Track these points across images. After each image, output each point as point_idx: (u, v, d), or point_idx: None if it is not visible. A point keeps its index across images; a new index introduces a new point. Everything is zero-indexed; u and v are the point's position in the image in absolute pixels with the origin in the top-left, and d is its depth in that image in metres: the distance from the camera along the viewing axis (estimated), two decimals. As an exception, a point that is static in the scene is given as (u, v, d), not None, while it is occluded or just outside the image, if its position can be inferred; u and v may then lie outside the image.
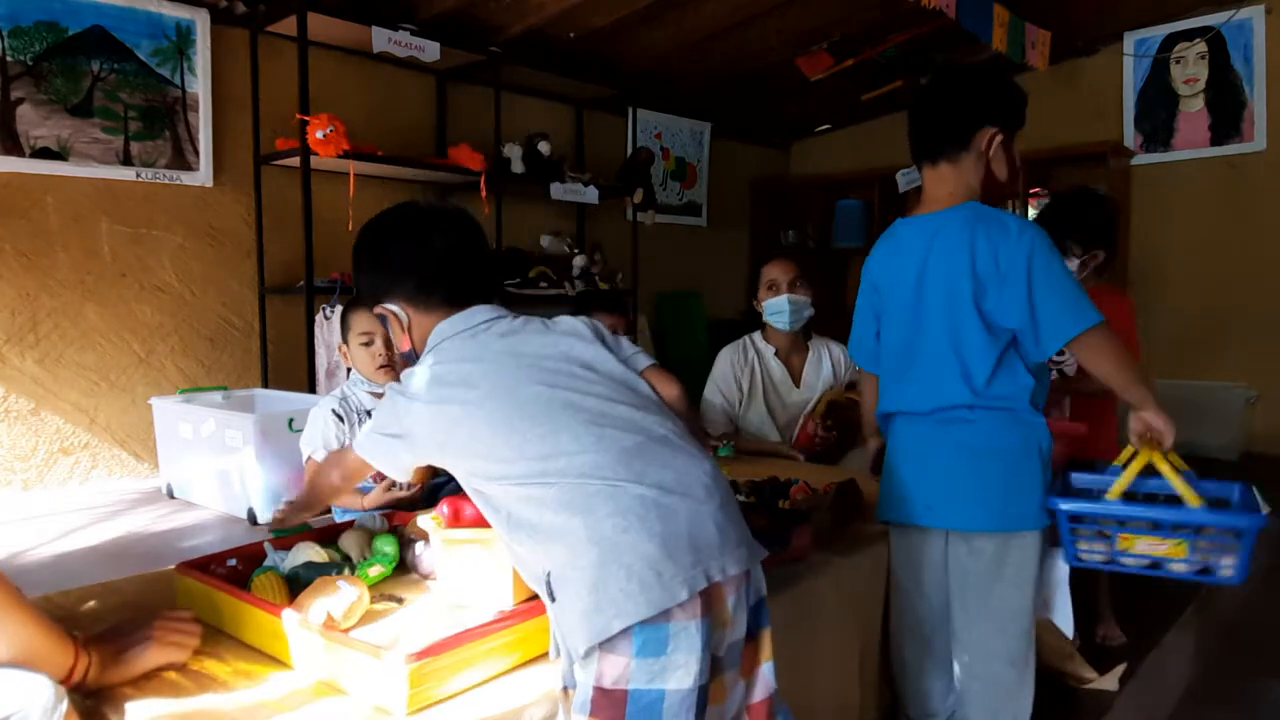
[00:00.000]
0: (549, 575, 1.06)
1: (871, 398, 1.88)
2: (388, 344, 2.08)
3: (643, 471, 1.09)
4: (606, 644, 0.99)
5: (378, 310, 1.36)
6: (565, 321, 1.33)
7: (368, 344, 2.11)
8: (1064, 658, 1.98)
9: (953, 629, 1.71)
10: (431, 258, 1.33)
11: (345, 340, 2.18)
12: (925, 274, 1.66)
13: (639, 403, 1.20)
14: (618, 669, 0.98)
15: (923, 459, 1.69)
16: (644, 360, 1.33)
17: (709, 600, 1.02)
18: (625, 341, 1.36)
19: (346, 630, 1.22)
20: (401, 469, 1.28)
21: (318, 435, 2.09)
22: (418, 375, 1.26)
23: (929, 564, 1.72)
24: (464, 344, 1.27)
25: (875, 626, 1.79)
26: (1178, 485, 1.55)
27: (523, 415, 1.15)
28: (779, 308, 2.79)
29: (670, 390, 1.31)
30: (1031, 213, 4.76)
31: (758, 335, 2.97)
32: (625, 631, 0.98)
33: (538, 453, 1.12)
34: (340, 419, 2.11)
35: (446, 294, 1.32)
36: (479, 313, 1.31)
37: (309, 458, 2.09)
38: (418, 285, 1.33)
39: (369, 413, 2.13)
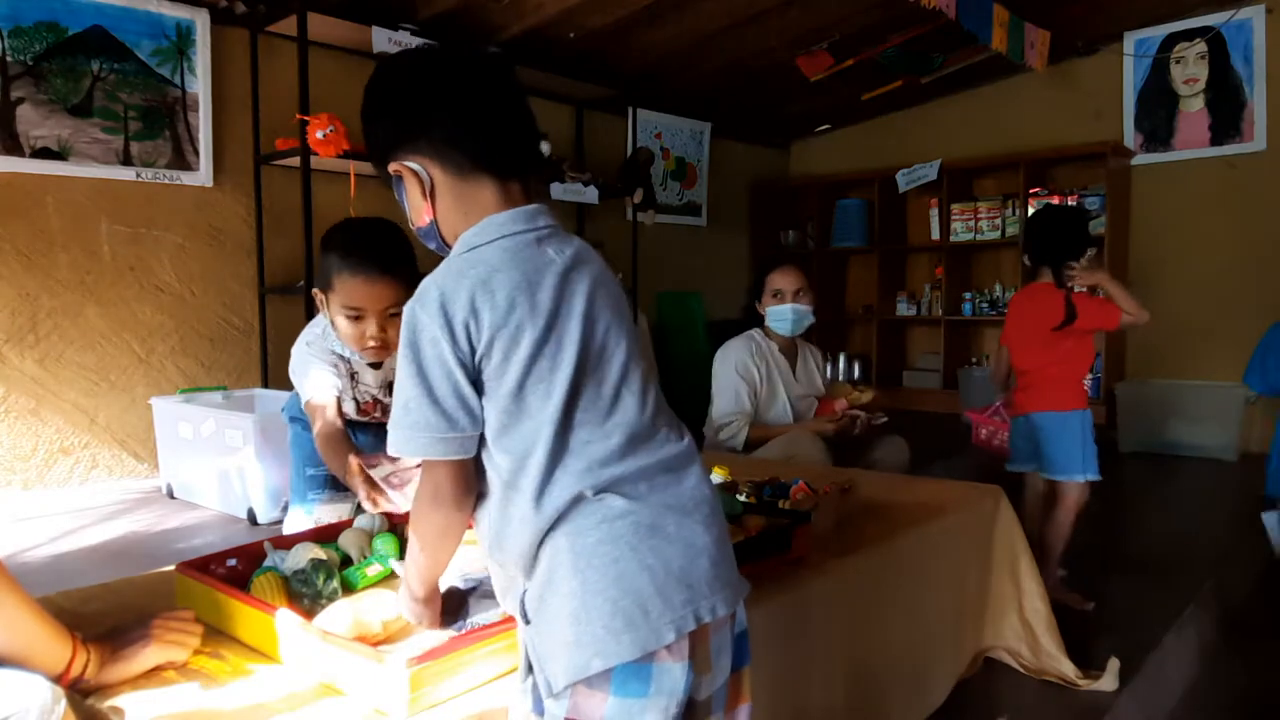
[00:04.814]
0: (524, 595, 0.96)
1: None
2: (384, 325, 1.74)
3: (648, 489, 0.95)
4: (584, 680, 0.91)
5: (393, 168, 1.05)
6: (610, 288, 1.05)
7: (355, 319, 1.74)
8: (1055, 661, 1.99)
9: None
10: (478, 96, 1.03)
11: (324, 291, 1.79)
12: None
13: (655, 404, 1.03)
14: (593, 704, 0.91)
15: None
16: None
17: (693, 642, 0.93)
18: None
19: (380, 643, 1.21)
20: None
21: (315, 374, 1.83)
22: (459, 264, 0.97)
23: None
24: (525, 252, 0.99)
25: (875, 630, 1.78)
26: None
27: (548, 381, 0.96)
28: (782, 315, 2.93)
29: None
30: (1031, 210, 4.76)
31: (758, 331, 3.04)
32: (605, 670, 0.90)
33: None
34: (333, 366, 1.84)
35: (494, 154, 1.02)
36: (540, 214, 1.03)
37: (308, 402, 1.83)
38: (452, 132, 1.01)
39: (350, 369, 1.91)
